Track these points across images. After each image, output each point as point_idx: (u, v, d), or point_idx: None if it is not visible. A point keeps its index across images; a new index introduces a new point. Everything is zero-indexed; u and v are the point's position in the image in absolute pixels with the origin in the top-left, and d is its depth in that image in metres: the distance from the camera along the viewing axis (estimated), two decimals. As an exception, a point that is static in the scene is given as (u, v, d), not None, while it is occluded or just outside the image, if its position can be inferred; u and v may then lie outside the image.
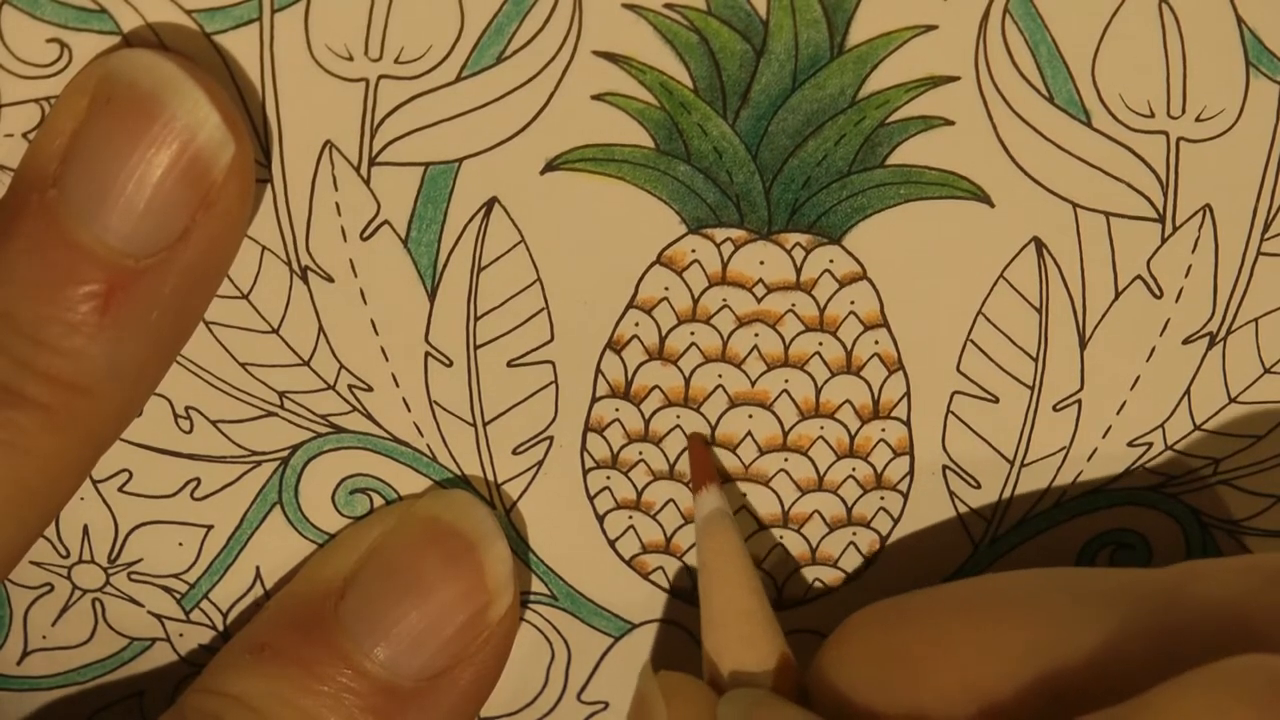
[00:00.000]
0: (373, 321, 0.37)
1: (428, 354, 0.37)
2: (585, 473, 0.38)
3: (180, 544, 0.39)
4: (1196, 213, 0.36)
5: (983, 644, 0.34)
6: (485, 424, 0.38)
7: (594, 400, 0.38)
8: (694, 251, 0.37)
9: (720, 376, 0.38)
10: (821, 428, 0.38)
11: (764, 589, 0.37)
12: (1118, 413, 0.38)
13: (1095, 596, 0.34)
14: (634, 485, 0.38)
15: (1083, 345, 0.37)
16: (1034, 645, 0.33)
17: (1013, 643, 0.33)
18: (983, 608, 0.35)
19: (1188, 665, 0.30)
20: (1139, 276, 0.37)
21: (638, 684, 0.37)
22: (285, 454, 0.38)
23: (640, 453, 0.38)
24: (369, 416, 0.38)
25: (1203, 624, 0.32)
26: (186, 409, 0.37)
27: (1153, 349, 0.37)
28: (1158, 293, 0.37)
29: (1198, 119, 0.35)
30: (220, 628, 0.39)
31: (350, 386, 0.37)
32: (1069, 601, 0.34)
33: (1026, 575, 0.36)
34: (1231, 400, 0.38)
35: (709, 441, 0.38)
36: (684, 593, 0.39)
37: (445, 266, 0.36)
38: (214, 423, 0.37)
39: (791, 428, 0.38)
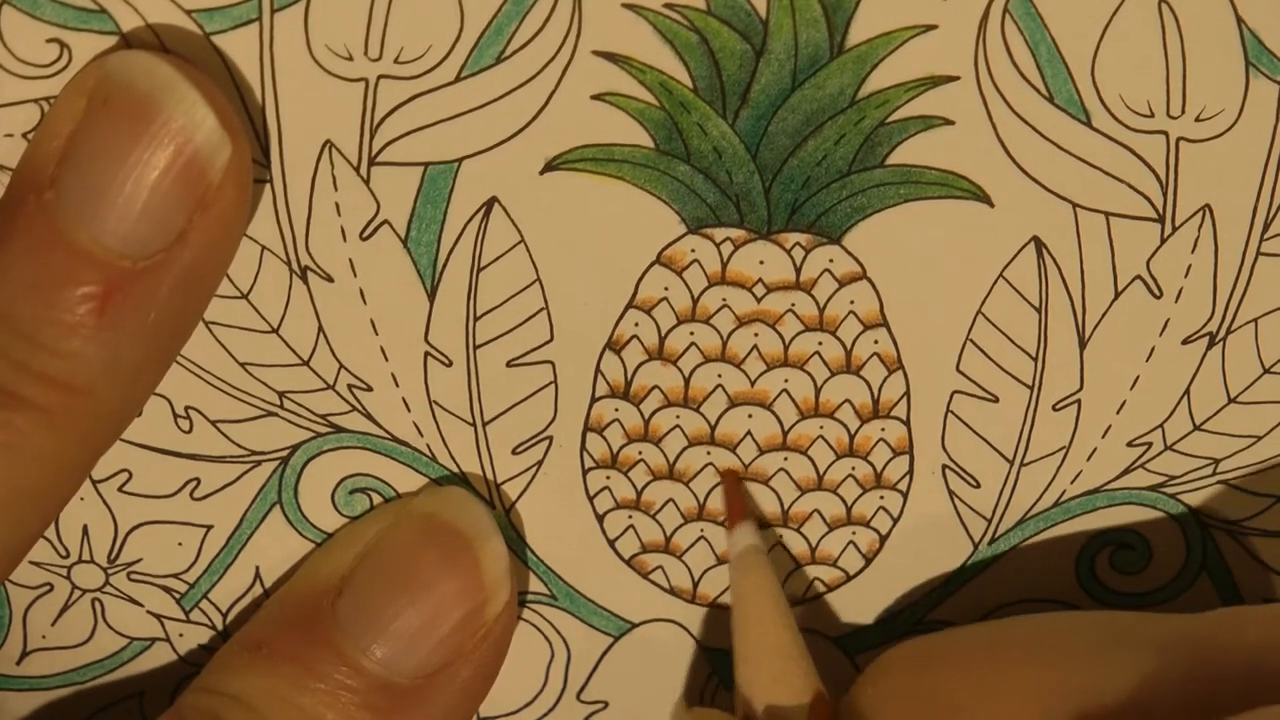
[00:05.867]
0: (372, 321, 0.37)
1: (427, 354, 0.37)
2: (585, 472, 0.38)
3: (180, 544, 0.39)
4: (1196, 213, 0.36)
5: (1019, 686, 0.34)
6: (485, 424, 0.38)
7: (593, 400, 0.38)
8: (693, 251, 0.37)
9: (720, 376, 0.38)
10: (821, 427, 0.38)
11: (796, 626, 0.37)
12: (1117, 413, 0.38)
13: (1133, 640, 0.34)
14: (633, 485, 0.38)
15: (1082, 345, 0.37)
16: (1070, 688, 0.33)
17: (1049, 685, 0.34)
18: (1019, 649, 0.35)
19: (1225, 712, 0.30)
20: (1139, 276, 0.37)
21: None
22: (285, 454, 0.38)
23: (640, 452, 0.38)
24: (369, 416, 0.38)
25: (1239, 671, 0.32)
26: (186, 409, 0.37)
27: (1152, 349, 0.37)
28: (1157, 293, 0.37)
29: (1198, 119, 0.35)
30: (220, 628, 0.40)
31: (350, 386, 0.37)
32: (1106, 645, 0.34)
33: (1062, 617, 0.36)
34: (1231, 400, 0.38)
35: (742, 477, 0.38)
36: (683, 592, 0.40)
37: (445, 266, 0.36)
38: (214, 423, 0.37)
39: (791, 427, 0.38)
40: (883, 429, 0.38)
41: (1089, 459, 0.38)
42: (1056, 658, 0.34)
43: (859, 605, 0.40)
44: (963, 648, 0.36)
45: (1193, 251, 0.36)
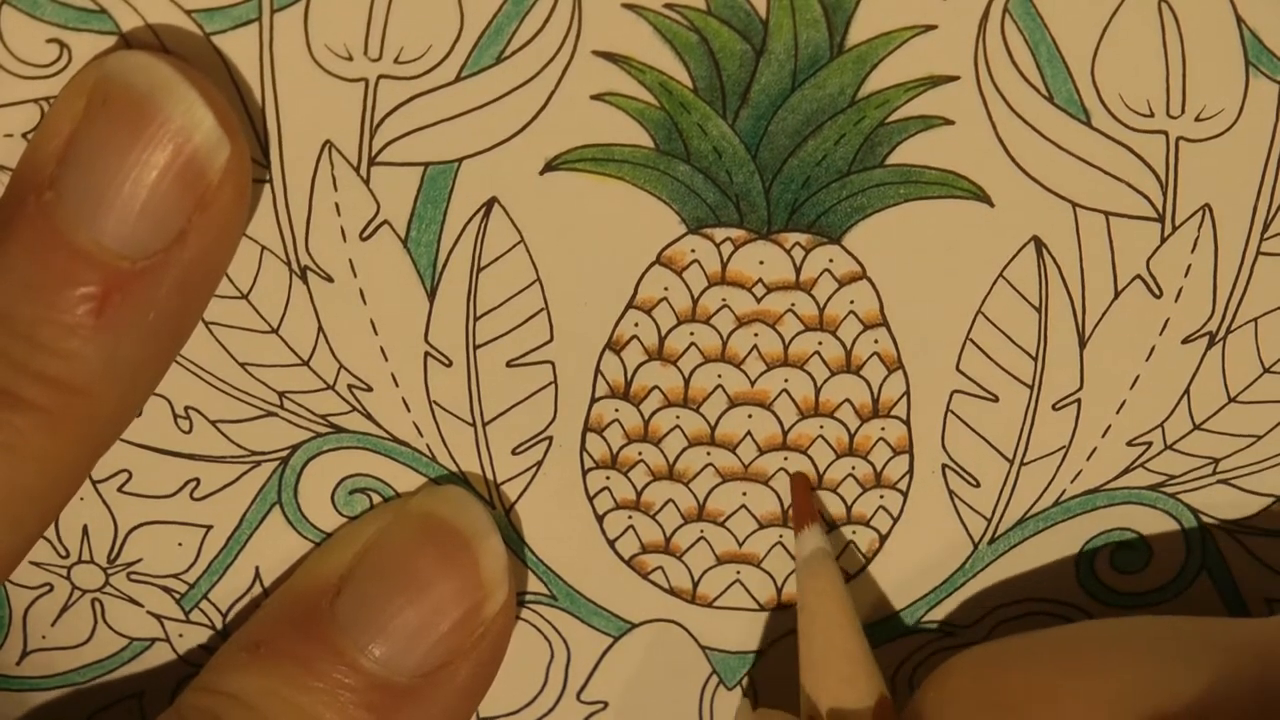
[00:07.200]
0: (372, 321, 0.37)
1: (427, 354, 0.37)
2: (585, 473, 0.38)
3: (180, 544, 0.39)
4: (1196, 212, 0.36)
5: (1082, 692, 0.34)
6: (485, 424, 0.38)
7: (593, 400, 0.38)
8: (693, 251, 0.37)
9: (720, 376, 0.38)
10: (821, 427, 0.38)
11: (863, 629, 0.38)
12: (1117, 412, 0.38)
13: (1196, 646, 0.34)
14: (633, 485, 0.38)
15: (1082, 345, 0.37)
16: (1135, 692, 0.33)
17: (1114, 689, 0.34)
18: (1082, 655, 0.35)
19: None
20: (1138, 276, 0.37)
21: None
22: (285, 454, 0.38)
23: (640, 453, 0.38)
24: (368, 416, 0.38)
25: None
26: (186, 409, 0.37)
27: (1152, 348, 0.37)
28: (1157, 292, 0.37)
29: (1197, 119, 0.35)
30: (219, 628, 0.40)
31: (350, 386, 0.37)
32: (1173, 649, 0.34)
33: (1127, 622, 0.36)
34: (1231, 400, 0.38)
35: (810, 481, 0.38)
36: (683, 593, 0.40)
37: (445, 266, 0.36)
38: (214, 423, 0.37)
39: (791, 427, 0.38)
40: (883, 428, 0.38)
41: (1089, 458, 0.38)
42: (1121, 662, 0.34)
43: (859, 604, 0.40)
44: (1027, 652, 0.36)
45: (1193, 251, 0.36)
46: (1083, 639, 0.36)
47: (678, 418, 0.38)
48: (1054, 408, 0.38)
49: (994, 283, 0.37)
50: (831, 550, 0.38)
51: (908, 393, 0.38)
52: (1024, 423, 0.38)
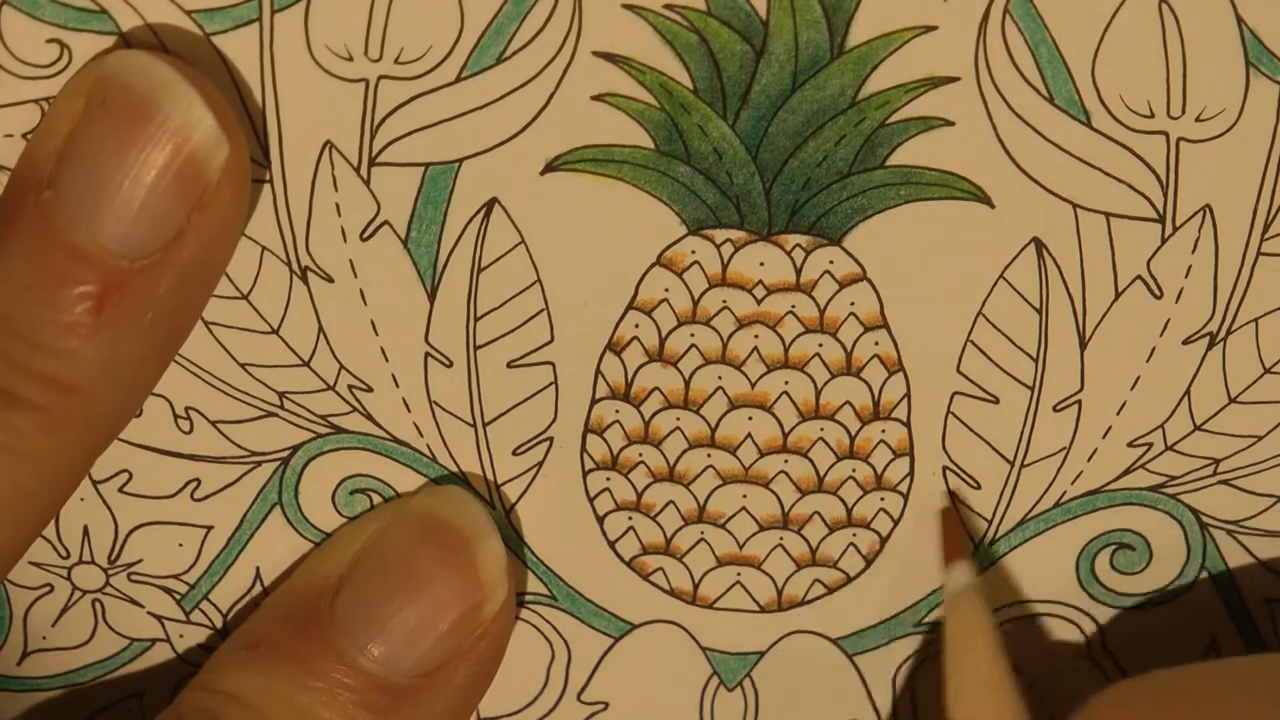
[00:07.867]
0: (373, 322, 0.37)
1: (428, 354, 0.37)
2: (585, 474, 0.38)
3: (180, 544, 0.39)
4: (1196, 213, 0.36)
5: None
6: (485, 425, 0.38)
7: (594, 401, 0.38)
8: (694, 253, 0.37)
9: (720, 378, 0.38)
10: (821, 429, 0.38)
11: (1009, 663, 0.38)
12: (1118, 413, 0.38)
13: None
14: (634, 486, 0.38)
15: (1083, 345, 0.37)
16: None
17: None
18: (1230, 694, 0.35)
19: None
20: (1139, 277, 0.37)
21: None
22: (285, 454, 0.38)
23: (640, 454, 0.38)
24: (369, 417, 0.38)
25: None
26: (186, 409, 0.37)
27: (1153, 349, 0.37)
28: (1158, 293, 0.37)
29: (1198, 119, 0.35)
30: (220, 628, 0.40)
31: (350, 387, 0.37)
32: None
33: (1273, 659, 0.36)
34: (1231, 400, 0.38)
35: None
36: (684, 594, 0.39)
37: (445, 267, 0.36)
38: (214, 423, 0.38)
39: (791, 429, 0.38)
40: (883, 430, 0.38)
41: (1089, 459, 0.38)
42: (1268, 704, 0.34)
43: (860, 607, 0.40)
44: (1175, 691, 0.36)
45: (1193, 252, 0.36)
46: (1231, 677, 0.36)
47: (678, 419, 0.38)
48: (1055, 409, 0.38)
49: (994, 284, 0.37)
50: (978, 585, 0.38)
51: (908, 394, 0.38)
52: (1025, 424, 0.38)
